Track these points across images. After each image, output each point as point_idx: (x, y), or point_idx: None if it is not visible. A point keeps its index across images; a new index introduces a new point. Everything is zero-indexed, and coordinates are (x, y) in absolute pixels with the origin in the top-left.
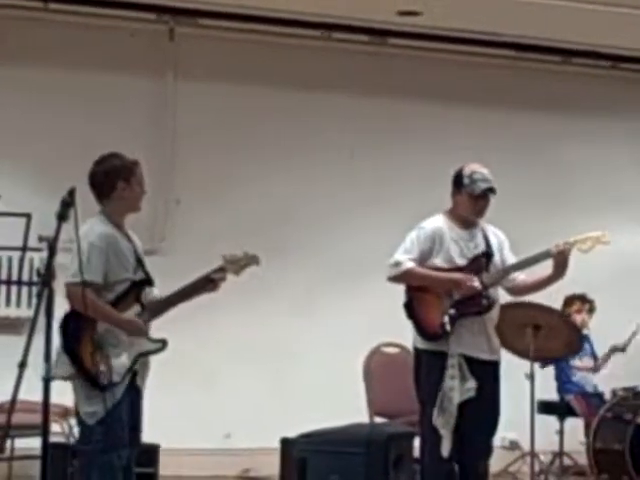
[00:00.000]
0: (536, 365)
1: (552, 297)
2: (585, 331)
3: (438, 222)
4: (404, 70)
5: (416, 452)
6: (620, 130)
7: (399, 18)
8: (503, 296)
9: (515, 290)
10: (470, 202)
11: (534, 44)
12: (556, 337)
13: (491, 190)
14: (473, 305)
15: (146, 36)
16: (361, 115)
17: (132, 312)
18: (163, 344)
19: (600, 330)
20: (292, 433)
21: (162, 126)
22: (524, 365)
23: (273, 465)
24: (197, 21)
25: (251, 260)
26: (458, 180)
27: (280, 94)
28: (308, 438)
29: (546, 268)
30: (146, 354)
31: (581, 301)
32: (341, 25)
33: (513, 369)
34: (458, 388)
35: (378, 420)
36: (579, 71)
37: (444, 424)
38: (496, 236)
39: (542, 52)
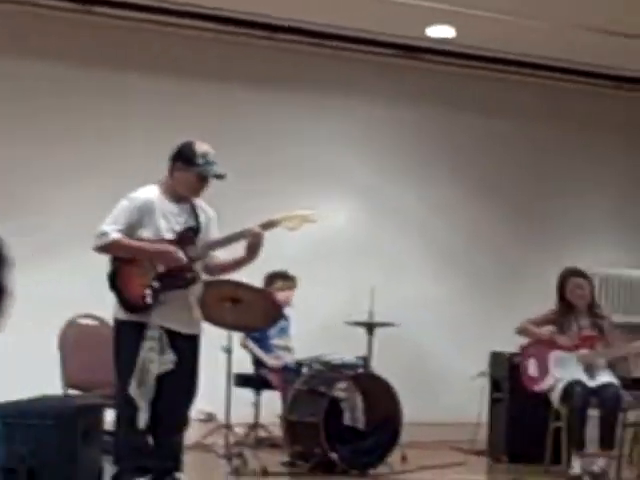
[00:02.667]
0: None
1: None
2: (288, 309)
3: (149, 193)
4: (133, 42)
5: (108, 424)
6: (332, 106)
7: None
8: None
9: (212, 269)
10: (196, 182)
11: (237, 18)
12: (254, 310)
13: (223, 176)
14: (177, 278)
15: None
16: (91, 87)
17: None
18: None
19: (302, 305)
20: None
21: None
22: (221, 338)
23: None
24: None
25: None
26: (188, 157)
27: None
28: None
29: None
30: None
31: (282, 278)
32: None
33: (210, 342)
34: (157, 360)
35: (72, 392)
36: (284, 47)
37: (141, 396)
38: (205, 212)
39: (246, 26)
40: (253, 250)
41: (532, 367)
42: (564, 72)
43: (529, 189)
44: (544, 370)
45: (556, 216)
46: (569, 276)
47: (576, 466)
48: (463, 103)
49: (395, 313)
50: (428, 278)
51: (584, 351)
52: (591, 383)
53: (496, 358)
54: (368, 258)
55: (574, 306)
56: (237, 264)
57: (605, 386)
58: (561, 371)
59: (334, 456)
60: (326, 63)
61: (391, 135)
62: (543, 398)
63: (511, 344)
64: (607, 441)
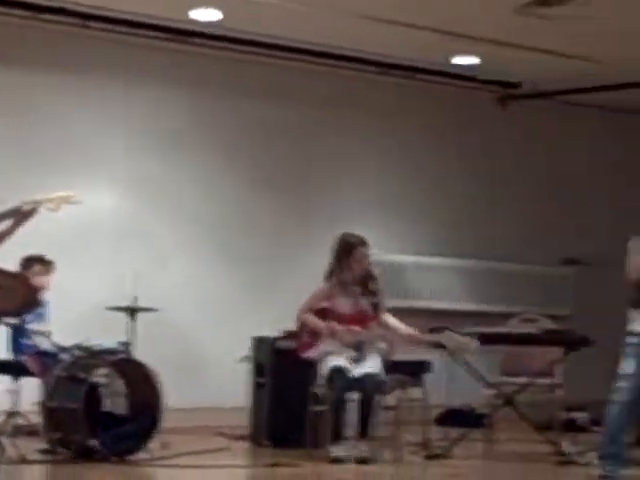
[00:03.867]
0: None
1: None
2: (46, 294)
3: None
4: None
5: None
6: (103, 89)
7: None
8: None
9: None
10: None
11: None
12: (11, 296)
13: None
14: None
15: None
16: None
17: None
18: None
19: (64, 290)
20: None
21: None
22: None
23: None
24: None
25: None
26: None
27: None
28: None
29: None
30: None
31: (40, 263)
32: None
33: None
34: None
35: None
36: (50, 28)
37: None
38: None
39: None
40: (17, 226)
41: (306, 335)
42: (332, 58)
43: (299, 174)
44: (315, 339)
45: (324, 200)
46: (358, 245)
47: (337, 449)
48: (233, 88)
49: (160, 298)
50: (193, 263)
51: (357, 328)
52: (355, 369)
53: (259, 343)
54: (133, 243)
55: (352, 275)
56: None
57: (367, 375)
58: (332, 342)
59: (94, 442)
60: (96, 46)
61: (161, 119)
62: (305, 383)
63: (275, 329)
64: (366, 427)
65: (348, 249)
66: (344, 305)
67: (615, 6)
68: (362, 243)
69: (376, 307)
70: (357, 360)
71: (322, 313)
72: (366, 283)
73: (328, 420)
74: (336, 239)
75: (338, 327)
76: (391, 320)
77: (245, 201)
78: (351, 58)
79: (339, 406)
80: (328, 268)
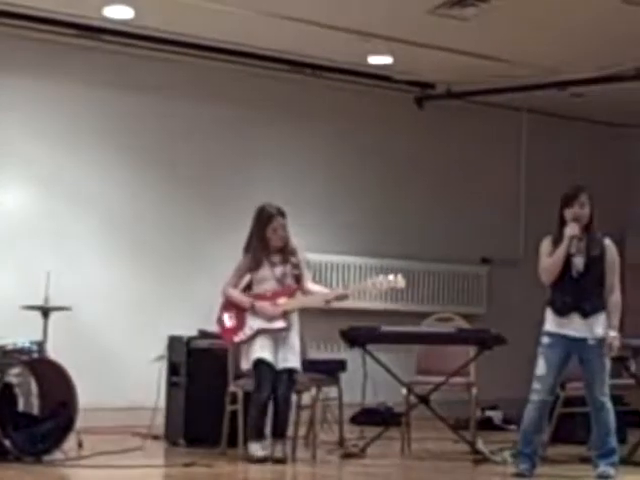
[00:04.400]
0: None
1: None
2: None
3: None
4: None
5: None
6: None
7: None
8: None
9: None
10: None
11: None
12: None
13: None
14: None
15: None
16: None
17: None
18: None
19: None
20: None
21: None
22: None
23: None
24: None
25: None
26: None
27: None
28: None
29: None
30: None
31: None
32: None
33: None
34: None
35: None
36: None
37: None
38: None
39: None
40: None
41: (229, 319)
42: (247, 57)
43: (212, 173)
44: (241, 321)
45: (239, 199)
46: (275, 216)
47: (255, 449)
48: (148, 86)
49: (73, 297)
50: (107, 262)
51: (283, 300)
52: (278, 364)
53: (174, 342)
54: (46, 242)
55: (271, 246)
56: None
57: (286, 370)
58: (257, 321)
59: (7, 443)
60: (8, 43)
61: (75, 118)
62: (220, 382)
63: (190, 328)
64: (282, 426)
65: (265, 220)
66: (265, 276)
67: (528, 7)
68: (279, 214)
69: (298, 278)
70: (283, 339)
71: (245, 289)
72: (286, 254)
73: (253, 417)
74: (255, 210)
75: (261, 303)
76: (315, 287)
77: (159, 200)
78: (267, 57)
79: (260, 410)
80: (247, 239)
